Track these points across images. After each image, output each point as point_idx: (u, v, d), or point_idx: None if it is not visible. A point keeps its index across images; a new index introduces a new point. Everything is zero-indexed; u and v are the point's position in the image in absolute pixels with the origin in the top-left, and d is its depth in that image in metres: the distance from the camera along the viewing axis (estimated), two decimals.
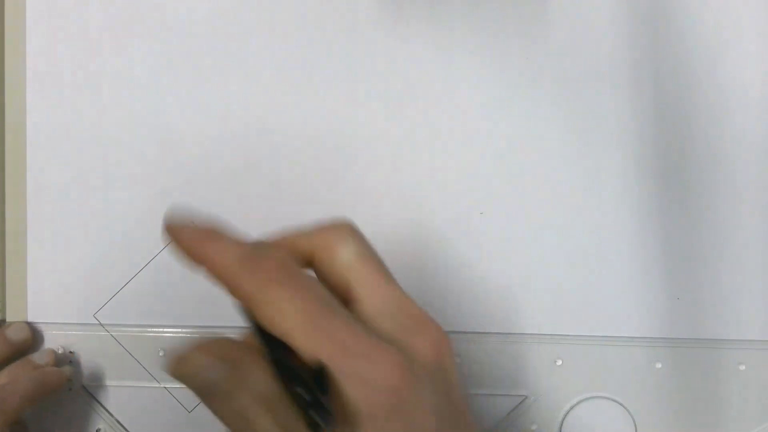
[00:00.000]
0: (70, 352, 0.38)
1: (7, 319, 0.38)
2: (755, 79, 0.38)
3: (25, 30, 0.37)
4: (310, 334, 0.21)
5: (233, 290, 0.22)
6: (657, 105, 0.38)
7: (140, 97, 0.37)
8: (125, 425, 0.38)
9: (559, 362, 0.38)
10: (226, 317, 0.37)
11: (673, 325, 0.38)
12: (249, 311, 0.22)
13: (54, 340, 0.38)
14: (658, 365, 0.38)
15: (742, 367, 0.38)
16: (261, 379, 0.22)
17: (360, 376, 0.21)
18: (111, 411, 0.38)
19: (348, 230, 0.25)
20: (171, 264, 0.38)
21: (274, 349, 0.22)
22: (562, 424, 0.38)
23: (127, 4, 0.37)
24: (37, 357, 0.37)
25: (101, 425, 0.38)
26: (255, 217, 0.38)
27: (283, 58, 0.38)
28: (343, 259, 0.24)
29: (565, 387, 0.38)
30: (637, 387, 0.38)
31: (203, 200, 0.38)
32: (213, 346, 0.22)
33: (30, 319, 0.38)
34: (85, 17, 0.37)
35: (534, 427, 0.38)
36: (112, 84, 0.37)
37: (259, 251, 0.23)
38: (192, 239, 0.23)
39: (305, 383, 0.20)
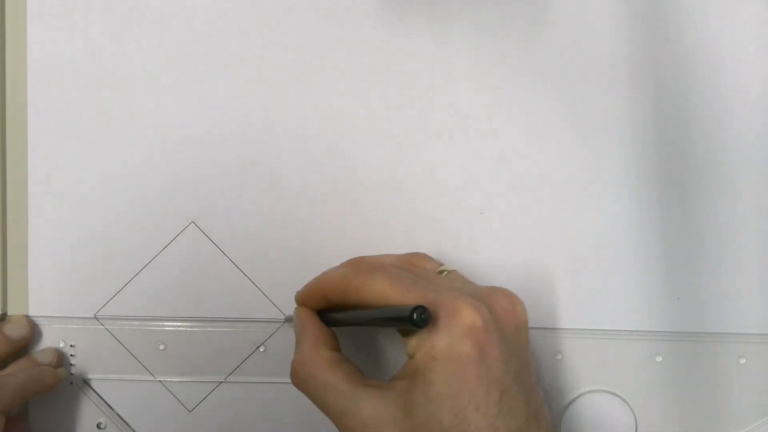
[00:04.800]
0: (71, 346, 0.38)
1: (9, 313, 0.38)
2: (755, 79, 0.38)
3: (26, 30, 0.38)
4: (404, 295, 0.29)
5: (345, 288, 0.31)
6: (657, 105, 0.38)
7: (141, 95, 0.38)
8: (126, 419, 0.38)
9: (559, 356, 0.38)
10: (225, 310, 0.38)
11: (673, 319, 0.38)
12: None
13: (55, 334, 0.38)
14: (659, 359, 0.38)
15: (743, 361, 0.38)
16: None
17: (444, 319, 0.28)
18: (111, 405, 0.38)
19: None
20: (172, 258, 0.38)
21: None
22: (562, 418, 0.38)
23: (128, 4, 0.38)
24: (39, 355, 0.37)
25: (102, 419, 0.38)
26: (254, 216, 0.38)
27: (284, 57, 0.38)
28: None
29: (566, 381, 0.38)
30: (638, 381, 0.38)
31: (203, 199, 0.38)
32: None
33: (31, 313, 0.38)
34: (85, 16, 0.38)
35: None
36: (113, 82, 0.38)
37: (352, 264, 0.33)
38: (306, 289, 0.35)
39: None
